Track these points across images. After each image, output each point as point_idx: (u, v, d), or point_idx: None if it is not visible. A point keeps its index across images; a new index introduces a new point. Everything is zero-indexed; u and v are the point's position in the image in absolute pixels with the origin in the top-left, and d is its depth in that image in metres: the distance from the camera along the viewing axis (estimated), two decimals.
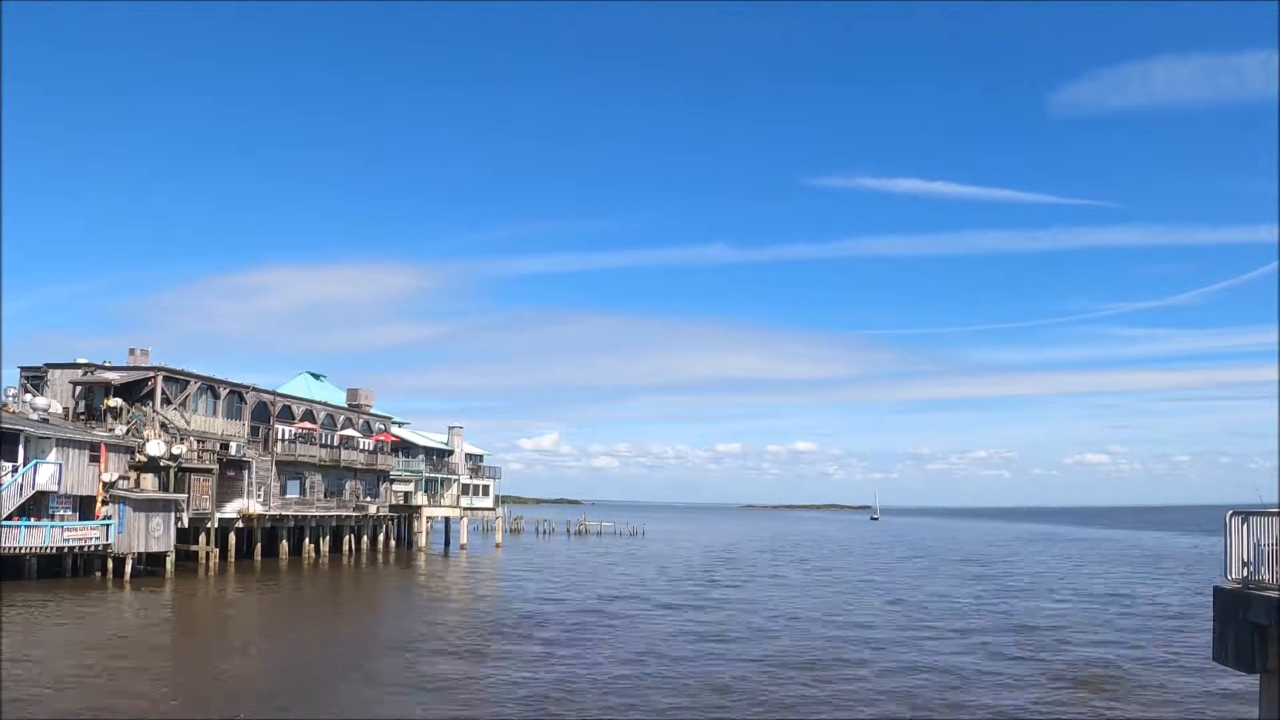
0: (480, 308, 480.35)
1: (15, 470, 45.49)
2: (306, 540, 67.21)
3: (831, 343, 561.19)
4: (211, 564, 55.68)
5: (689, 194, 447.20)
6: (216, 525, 57.42)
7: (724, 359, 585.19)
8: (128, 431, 54.25)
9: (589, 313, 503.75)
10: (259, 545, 61.87)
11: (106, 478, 49.58)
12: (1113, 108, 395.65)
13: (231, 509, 59.15)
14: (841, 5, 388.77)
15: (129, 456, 52.34)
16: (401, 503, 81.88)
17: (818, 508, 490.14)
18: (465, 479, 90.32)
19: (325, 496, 69.85)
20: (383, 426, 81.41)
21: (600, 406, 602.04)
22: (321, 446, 69.35)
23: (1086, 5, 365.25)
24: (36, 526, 45.32)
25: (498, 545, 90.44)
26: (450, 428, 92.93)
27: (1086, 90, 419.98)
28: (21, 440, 46.32)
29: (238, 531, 60.14)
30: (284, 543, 64.70)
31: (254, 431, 64.32)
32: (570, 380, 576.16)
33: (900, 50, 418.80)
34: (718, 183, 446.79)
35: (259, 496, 61.72)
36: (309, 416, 70.95)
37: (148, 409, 56.49)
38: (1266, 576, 12.81)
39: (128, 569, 48.42)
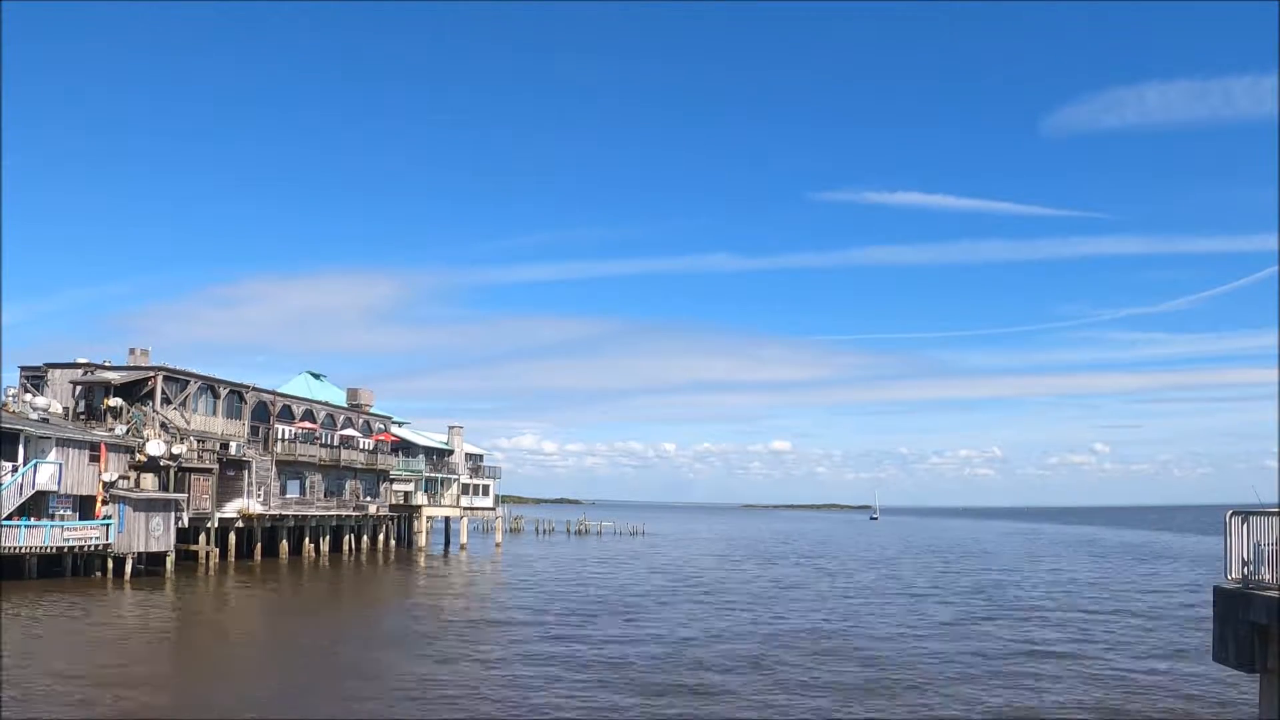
0: (476, 314, 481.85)
1: (15, 470, 45.50)
2: (306, 540, 67.19)
3: (823, 346, 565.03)
4: (211, 564, 55.67)
5: (693, 203, 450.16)
6: (216, 525, 57.41)
7: (717, 362, 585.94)
8: (128, 431, 54.24)
9: (587, 317, 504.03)
10: (259, 545, 61.87)
11: (106, 477, 49.58)
12: (1107, 126, 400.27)
13: (231, 509, 59.14)
14: (841, 32, 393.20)
15: (129, 456, 52.34)
16: (401, 502, 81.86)
17: (816, 507, 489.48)
18: (465, 479, 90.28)
19: (325, 496, 69.82)
20: (383, 426, 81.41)
21: (590, 408, 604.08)
22: (322, 446, 69.33)
23: (1080, 31, 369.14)
24: (36, 526, 45.32)
25: (498, 545, 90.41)
26: (450, 427, 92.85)
27: (1082, 111, 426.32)
28: (21, 440, 46.32)
29: (238, 531, 60.13)
30: (284, 542, 64.68)
31: (254, 431, 64.31)
32: (562, 383, 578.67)
33: (900, 66, 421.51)
34: (723, 194, 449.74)
35: (259, 496, 61.70)
36: (309, 416, 70.93)
37: (148, 409, 56.48)
38: (1266, 576, 12.83)
39: (128, 569, 48.41)
